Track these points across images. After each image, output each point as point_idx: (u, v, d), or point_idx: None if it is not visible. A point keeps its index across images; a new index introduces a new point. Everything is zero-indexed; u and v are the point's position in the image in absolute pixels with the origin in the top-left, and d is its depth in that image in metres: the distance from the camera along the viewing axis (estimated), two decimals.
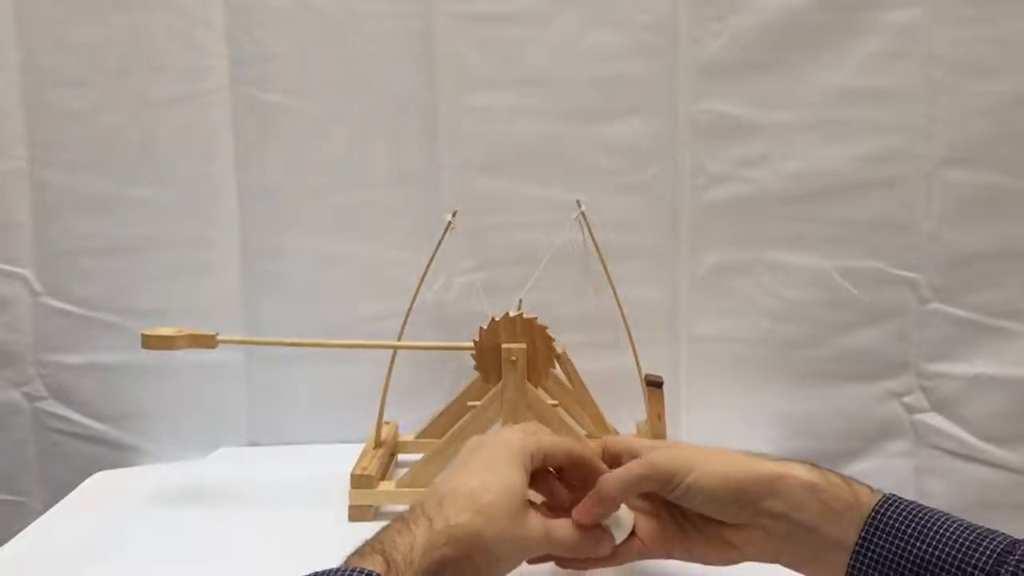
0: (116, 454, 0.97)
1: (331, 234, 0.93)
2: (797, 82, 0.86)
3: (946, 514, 0.53)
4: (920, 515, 0.53)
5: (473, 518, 0.51)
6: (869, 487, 0.56)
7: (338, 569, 0.47)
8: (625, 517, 0.59)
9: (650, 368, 0.85)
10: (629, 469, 0.57)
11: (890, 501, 0.54)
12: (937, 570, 0.50)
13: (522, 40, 0.88)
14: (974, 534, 0.51)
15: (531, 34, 0.88)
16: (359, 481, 0.79)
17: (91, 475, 0.91)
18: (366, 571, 0.46)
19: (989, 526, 0.52)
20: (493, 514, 0.51)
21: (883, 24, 0.84)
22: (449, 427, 0.80)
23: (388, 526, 0.51)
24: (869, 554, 0.52)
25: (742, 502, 0.55)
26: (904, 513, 0.53)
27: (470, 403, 0.82)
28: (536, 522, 0.54)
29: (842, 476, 0.57)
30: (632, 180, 0.90)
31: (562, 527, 0.56)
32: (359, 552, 0.49)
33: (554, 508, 0.58)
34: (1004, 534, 0.51)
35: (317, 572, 0.46)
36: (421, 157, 0.90)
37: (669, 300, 0.92)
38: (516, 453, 0.55)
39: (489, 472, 0.54)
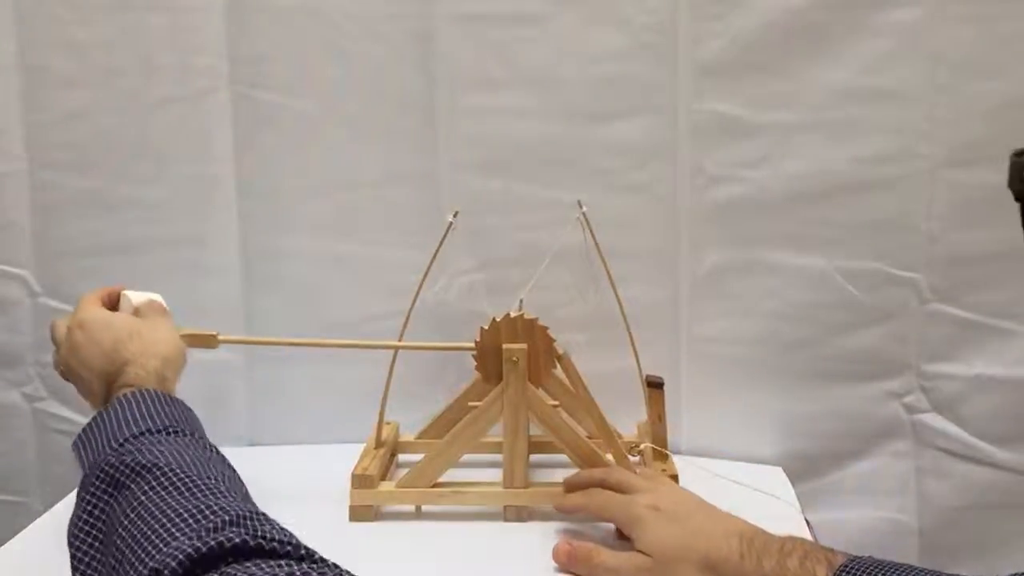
0: None
1: (331, 234, 0.93)
2: (797, 82, 0.86)
3: (903, 568, 0.54)
4: None
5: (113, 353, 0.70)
6: (827, 562, 0.57)
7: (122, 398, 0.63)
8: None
9: (650, 368, 0.85)
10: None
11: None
12: None
13: (522, 40, 0.88)
14: None
15: (531, 34, 0.88)
16: (360, 481, 0.79)
17: None
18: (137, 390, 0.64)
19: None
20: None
21: (884, 24, 0.84)
22: (450, 427, 0.80)
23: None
24: None
25: None
26: None
27: (471, 403, 0.82)
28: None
29: (804, 554, 0.58)
30: (632, 180, 0.90)
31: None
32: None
33: None
34: None
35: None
36: (421, 157, 0.90)
37: (669, 300, 0.91)
38: (92, 302, 0.75)
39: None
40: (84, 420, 0.95)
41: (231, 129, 0.91)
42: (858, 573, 0.54)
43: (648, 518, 0.67)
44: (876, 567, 0.55)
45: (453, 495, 0.79)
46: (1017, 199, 0.49)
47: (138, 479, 0.54)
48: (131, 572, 0.47)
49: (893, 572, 0.54)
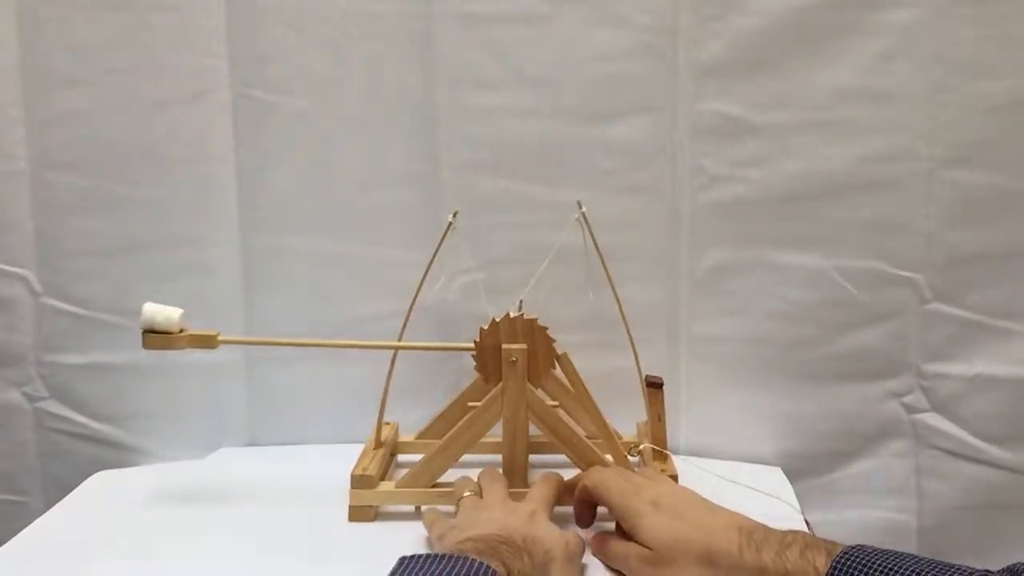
0: (116, 454, 0.97)
1: (331, 234, 0.93)
2: (797, 82, 0.86)
3: (902, 557, 0.54)
4: (876, 568, 0.54)
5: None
6: (827, 553, 0.57)
7: (459, 558, 0.55)
8: None
9: (650, 368, 0.85)
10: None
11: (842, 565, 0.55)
12: None
13: (522, 40, 0.88)
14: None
15: (531, 34, 0.88)
16: (359, 481, 0.79)
17: (91, 475, 0.91)
18: (491, 568, 0.54)
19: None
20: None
21: (883, 24, 0.84)
22: (449, 428, 0.80)
23: (491, 547, 0.59)
24: None
25: None
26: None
27: (470, 404, 0.82)
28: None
29: (804, 545, 0.58)
30: (632, 180, 0.90)
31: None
32: (476, 553, 0.57)
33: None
34: (968, 568, 0.51)
35: (436, 554, 0.55)
36: (421, 157, 0.90)
37: (669, 300, 0.92)
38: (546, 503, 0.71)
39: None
40: (84, 420, 0.97)
41: (232, 129, 0.91)
42: (856, 561, 0.55)
43: (648, 513, 0.67)
44: (874, 555, 0.55)
45: (453, 495, 0.79)
46: None
47: None
48: None
49: (891, 560, 0.54)
